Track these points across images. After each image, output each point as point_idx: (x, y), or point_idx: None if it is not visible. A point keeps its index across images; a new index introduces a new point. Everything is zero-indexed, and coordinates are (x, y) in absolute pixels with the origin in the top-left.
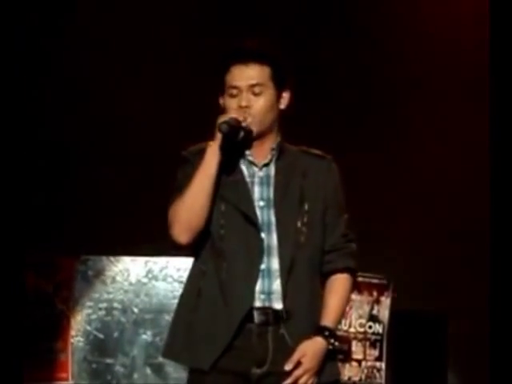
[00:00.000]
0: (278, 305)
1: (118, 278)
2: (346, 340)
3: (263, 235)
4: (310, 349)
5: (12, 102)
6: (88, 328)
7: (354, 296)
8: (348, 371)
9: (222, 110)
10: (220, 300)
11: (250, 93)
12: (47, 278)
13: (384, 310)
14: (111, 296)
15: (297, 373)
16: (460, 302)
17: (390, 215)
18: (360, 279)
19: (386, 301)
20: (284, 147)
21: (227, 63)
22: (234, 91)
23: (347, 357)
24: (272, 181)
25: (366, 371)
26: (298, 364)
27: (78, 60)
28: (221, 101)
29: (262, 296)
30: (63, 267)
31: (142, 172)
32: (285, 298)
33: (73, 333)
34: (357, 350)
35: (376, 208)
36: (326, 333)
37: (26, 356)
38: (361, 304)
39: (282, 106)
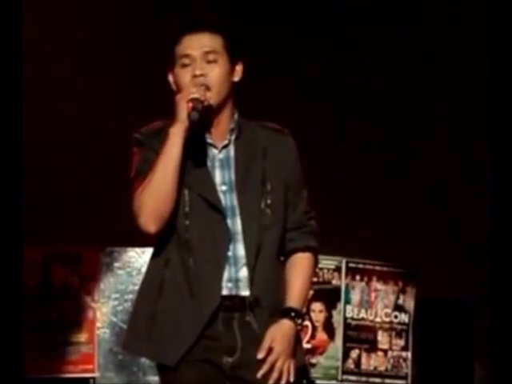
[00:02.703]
0: (245, 292)
1: (144, 270)
2: (372, 330)
3: (228, 221)
4: (279, 332)
5: None
6: (114, 320)
7: (379, 286)
8: (374, 361)
9: (173, 85)
10: (186, 291)
11: (204, 61)
12: (73, 270)
13: (410, 300)
14: (137, 287)
15: (270, 358)
16: (486, 290)
17: (416, 205)
18: (385, 269)
19: (411, 290)
20: (241, 124)
21: (178, 35)
22: (187, 60)
23: (373, 346)
24: (232, 163)
25: (391, 361)
26: (270, 350)
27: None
28: (170, 77)
29: (229, 284)
30: (89, 259)
31: None
32: (251, 284)
33: (98, 324)
34: (382, 339)
35: (402, 197)
36: (292, 314)
37: (52, 348)
38: (386, 294)
39: (236, 78)
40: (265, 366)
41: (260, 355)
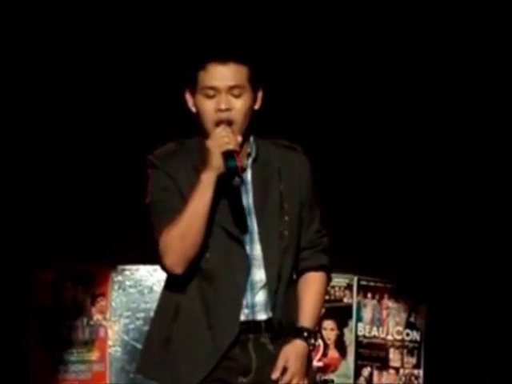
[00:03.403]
0: (261, 316)
1: (156, 288)
2: (384, 347)
3: (247, 247)
4: (293, 352)
5: None
6: (125, 338)
7: (390, 303)
8: (386, 379)
9: (192, 107)
10: (203, 321)
11: (229, 94)
12: (84, 288)
13: (421, 318)
14: (148, 306)
15: (285, 378)
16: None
17: (429, 223)
18: (397, 286)
19: (423, 308)
20: (257, 146)
21: (203, 60)
22: (211, 92)
23: (385, 364)
24: (250, 187)
25: (403, 379)
26: (284, 370)
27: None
28: (188, 97)
29: (246, 310)
30: (100, 277)
31: None
32: (274, 309)
33: (110, 343)
34: (394, 357)
35: (414, 214)
36: (305, 334)
37: (64, 366)
38: (398, 311)
39: (257, 106)
40: None
41: (274, 375)
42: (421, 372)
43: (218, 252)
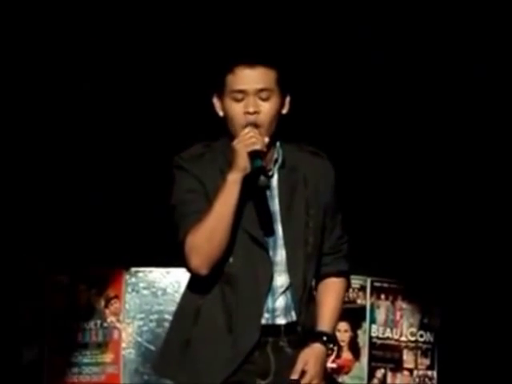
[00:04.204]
0: (280, 320)
1: (169, 290)
2: (397, 349)
3: (271, 254)
4: (312, 356)
5: None
6: (139, 340)
7: (404, 305)
8: (399, 380)
9: (219, 111)
10: (224, 325)
11: (257, 98)
12: (98, 290)
13: (435, 319)
14: (162, 308)
15: (304, 381)
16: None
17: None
18: (410, 287)
19: (436, 309)
20: (283, 152)
21: (231, 64)
22: (239, 95)
23: (399, 366)
24: (276, 193)
25: (417, 380)
26: (303, 373)
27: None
28: (216, 101)
29: (267, 315)
30: (113, 280)
31: None
32: (299, 314)
33: (124, 345)
34: (408, 358)
35: (426, 214)
36: (324, 338)
37: (77, 369)
38: (411, 313)
39: (284, 111)
40: None
41: (293, 377)
42: (434, 373)
43: (242, 256)
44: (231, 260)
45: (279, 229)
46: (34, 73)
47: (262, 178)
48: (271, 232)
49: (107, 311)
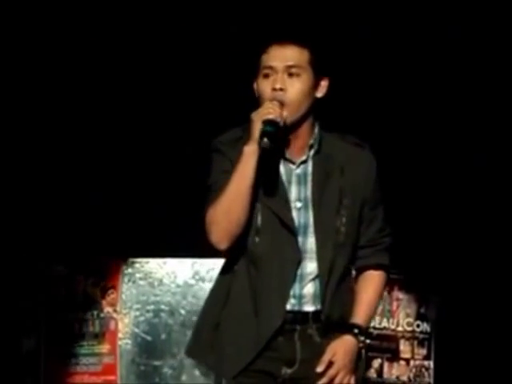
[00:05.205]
0: (308, 307)
1: (165, 280)
2: (394, 339)
3: (299, 240)
4: (341, 347)
5: None
6: (136, 330)
7: (401, 295)
8: (396, 370)
9: (256, 94)
10: (250, 308)
11: (286, 74)
12: (95, 281)
13: (432, 309)
14: (158, 298)
15: (330, 372)
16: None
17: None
18: (407, 278)
19: (434, 299)
20: (321, 139)
21: (265, 44)
22: (269, 71)
23: (395, 356)
24: (309, 179)
25: (414, 370)
26: (330, 364)
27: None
28: (255, 85)
29: (293, 300)
30: (110, 270)
31: (188, 173)
32: (323, 301)
33: (120, 335)
34: (405, 348)
35: (427, 205)
36: (356, 330)
37: (74, 359)
38: (408, 303)
39: (319, 94)
40: (323, 379)
41: (319, 368)
42: (431, 363)
43: (268, 238)
44: (257, 239)
45: (310, 216)
46: (33, 73)
47: (265, 140)
48: (297, 216)
49: (104, 302)
